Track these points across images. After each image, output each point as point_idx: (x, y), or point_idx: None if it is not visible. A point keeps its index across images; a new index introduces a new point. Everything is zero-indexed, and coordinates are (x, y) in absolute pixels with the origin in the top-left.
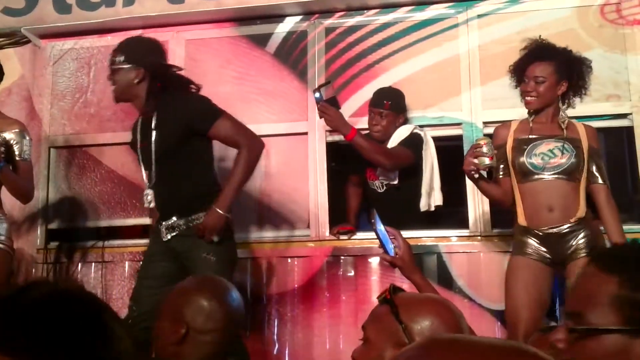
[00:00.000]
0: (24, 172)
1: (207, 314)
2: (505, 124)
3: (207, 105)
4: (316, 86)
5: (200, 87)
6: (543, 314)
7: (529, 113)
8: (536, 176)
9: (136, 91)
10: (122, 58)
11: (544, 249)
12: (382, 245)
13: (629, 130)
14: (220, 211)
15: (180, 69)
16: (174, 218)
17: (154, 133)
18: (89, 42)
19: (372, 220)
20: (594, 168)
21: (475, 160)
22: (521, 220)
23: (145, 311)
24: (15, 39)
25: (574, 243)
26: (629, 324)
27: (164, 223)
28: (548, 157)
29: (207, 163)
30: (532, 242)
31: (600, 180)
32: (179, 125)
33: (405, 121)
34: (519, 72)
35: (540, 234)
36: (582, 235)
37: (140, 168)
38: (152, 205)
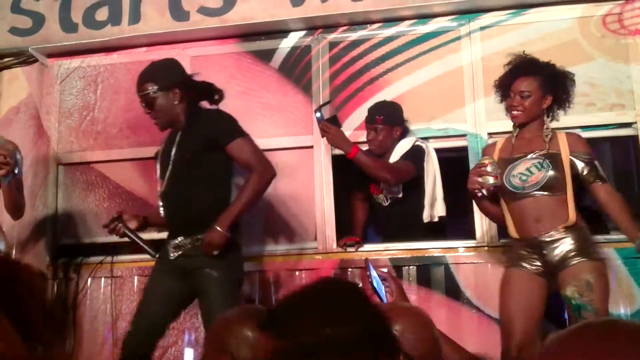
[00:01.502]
0: (18, 189)
1: (252, 344)
2: (492, 143)
3: (232, 123)
4: (318, 105)
5: (222, 92)
6: (536, 325)
7: (514, 127)
8: (519, 195)
9: (177, 111)
10: (155, 87)
11: (536, 258)
12: (376, 293)
13: (634, 139)
14: (219, 229)
15: (198, 74)
16: (181, 238)
17: (177, 140)
18: (95, 60)
19: (368, 273)
20: (582, 170)
21: (480, 179)
22: (512, 232)
23: (147, 325)
24: (22, 58)
25: (563, 250)
26: None
27: (171, 242)
28: (526, 176)
29: (223, 179)
30: (524, 252)
31: (593, 179)
32: (203, 137)
33: (404, 132)
34: (504, 87)
35: (531, 243)
36: (571, 242)
37: (157, 176)
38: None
